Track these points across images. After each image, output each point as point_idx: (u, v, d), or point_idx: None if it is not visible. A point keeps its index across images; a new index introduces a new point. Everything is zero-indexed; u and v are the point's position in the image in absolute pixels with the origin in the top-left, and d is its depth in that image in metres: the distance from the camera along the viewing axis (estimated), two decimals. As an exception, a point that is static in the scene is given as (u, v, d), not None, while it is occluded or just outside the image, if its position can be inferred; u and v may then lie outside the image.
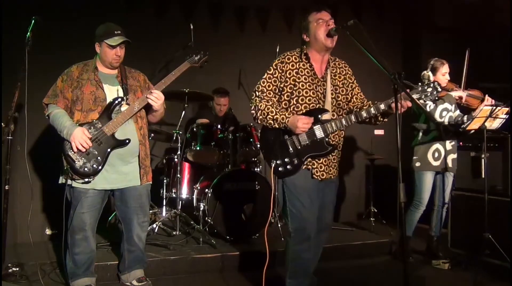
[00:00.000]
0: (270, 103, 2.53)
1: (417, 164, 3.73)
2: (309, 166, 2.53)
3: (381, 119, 2.59)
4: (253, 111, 2.56)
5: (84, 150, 2.69)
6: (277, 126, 2.51)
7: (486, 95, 3.60)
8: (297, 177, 2.52)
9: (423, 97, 2.44)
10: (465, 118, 3.59)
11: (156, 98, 2.81)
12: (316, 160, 2.54)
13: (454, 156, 3.75)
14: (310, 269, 2.66)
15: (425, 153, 3.70)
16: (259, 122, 2.57)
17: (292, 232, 2.55)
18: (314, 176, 2.53)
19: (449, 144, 3.71)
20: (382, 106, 2.45)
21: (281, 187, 2.59)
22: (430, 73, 3.64)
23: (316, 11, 2.54)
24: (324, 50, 2.55)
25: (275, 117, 2.48)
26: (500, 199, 3.64)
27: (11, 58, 3.53)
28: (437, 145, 3.69)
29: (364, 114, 2.48)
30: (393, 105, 2.32)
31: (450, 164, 3.72)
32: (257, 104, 2.53)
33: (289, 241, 2.59)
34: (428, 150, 3.70)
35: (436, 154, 3.69)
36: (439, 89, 2.43)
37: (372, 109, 2.47)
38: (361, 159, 5.19)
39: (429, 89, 2.42)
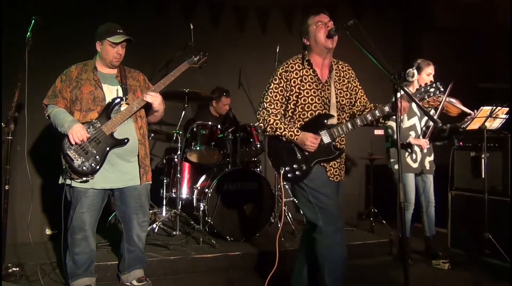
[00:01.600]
0: (279, 117, 2.54)
1: (396, 166, 3.74)
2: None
3: (383, 121, 2.61)
4: (261, 124, 2.58)
5: (79, 142, 2.69)
6: (285, 140, 2.53)
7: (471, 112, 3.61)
8: (313, 175, 2.51)
9: (425, 97, 2.44)
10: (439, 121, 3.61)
11: (153, 96, 2.81)
12: (326, 163, 2.55)
13: (431, 158, 3.79)
14: (343, 265, 2.56)
15: (403, 156, 3.70)
16: (267, 134, 2.59)
17: (323, 226, 2.46)
18: (330, 178, 2.56)
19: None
20: (386, 108, 2.47)
21: (298, 190, 2.57)
22: (415, 71, 3.65)
23: (314, 14, 2.54)
24: (325, 52, 2.55)
25: (283, 133, 2.50)
26: (500, 199, 3.65)
27: (11, 58, 3.53)
28: (413, 148, 3.70)
29: (369, 117, 2.49)
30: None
31: (427, 167, 3.76)
32: (266, 118, 2.54)
33: (320, 239, 2.49)
34: (405, 152, 3.70)
35: (414, 156, 3.71)
36: (441, 89, 2.43)
37: (376, 111, 2.48)
38: (361, 159, 5.19)
39: (432, 89, 2.42)
